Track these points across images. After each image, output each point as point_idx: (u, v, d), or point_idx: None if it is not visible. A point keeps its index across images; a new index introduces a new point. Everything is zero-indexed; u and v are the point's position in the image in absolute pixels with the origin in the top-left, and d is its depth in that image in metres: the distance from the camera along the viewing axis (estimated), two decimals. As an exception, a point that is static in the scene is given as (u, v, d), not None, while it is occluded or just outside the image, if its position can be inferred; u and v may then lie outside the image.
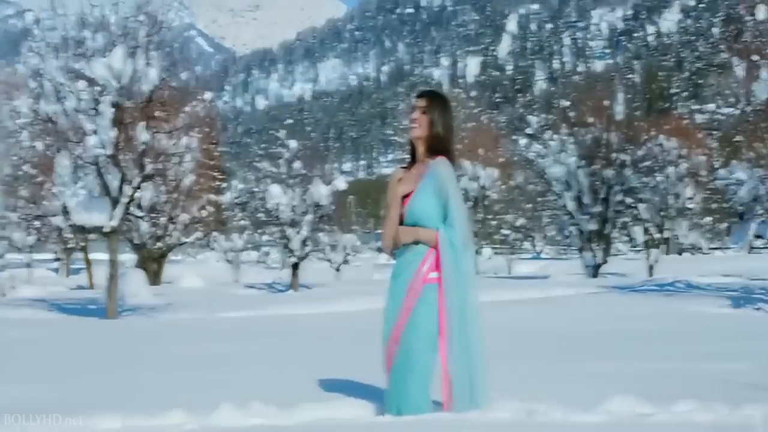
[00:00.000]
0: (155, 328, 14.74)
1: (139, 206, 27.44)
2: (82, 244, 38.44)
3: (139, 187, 16.93)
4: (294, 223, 29.29)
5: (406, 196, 5.07)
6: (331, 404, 5.59)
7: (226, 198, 49.58)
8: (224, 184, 59.69)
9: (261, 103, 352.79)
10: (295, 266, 29.47)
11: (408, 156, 5.30)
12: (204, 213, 36.63)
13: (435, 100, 5.19)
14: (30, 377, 7.92)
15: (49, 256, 60.44)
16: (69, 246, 46.06)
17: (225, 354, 9.86)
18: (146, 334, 13.61)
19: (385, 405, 5.14)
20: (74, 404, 5.85)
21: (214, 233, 43.94)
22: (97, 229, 16.83)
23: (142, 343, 11.83)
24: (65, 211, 16.86)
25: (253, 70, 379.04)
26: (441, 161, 5.03)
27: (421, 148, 5.14)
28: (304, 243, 29.23)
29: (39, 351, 10.74)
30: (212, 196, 43.47)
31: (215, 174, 59.74)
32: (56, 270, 53.88)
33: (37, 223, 39.88)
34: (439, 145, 5.10)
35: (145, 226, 30.28)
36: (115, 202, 16.47)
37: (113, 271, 16.41)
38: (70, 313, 18.03)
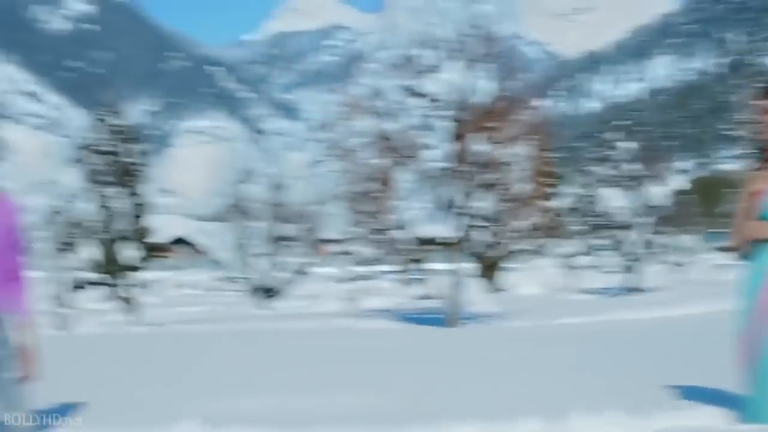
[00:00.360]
0: (495, 336, 14.94)
1: (478, 216, 27.92)
2: (421, 255, 39.62)
3: (477, 198, 17.25)
4: (628, 226, 28.80)
5: (758, 194, 4.83)
6: (685, 412, 5.45)
7: (559, 203, 49.29)
8: (557, 190, 59.49)
9: (591, 105, 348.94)
10: (630, 269, 28.93)
11: (758, 152, 5.02)
12: (539, 219, 36.64)
13: None
14: (382, 386, 8.28)
15: (391, 267, 62.85)
16: (409, 257, 47.76)
17: (568, 359, 9.84)
18: (488, 341, 13.82)
19: (743, 412, 4.93)
20: (430, 411, 6.07)
21: (549, 239, 43.87)
22: (440, 241, 17.35)
23: (485, 349, 12.02)
24: (404, 225, 17.53)
25: (582, 73, 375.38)
26: None
27: None
28: (640, 245, 28.65)
29: (388, 359, 11.18)
30: (546, 203, 43.37)
31: (548, 180, 59.70)
32: (399, 281, 55.80)
33: (379, 237, 41.73)
34: None
35: (482, 235, 30.76)
36: (455, 214, 16.90)
37: (455, 280, 16.83)
38: (412, 323, 18.66)
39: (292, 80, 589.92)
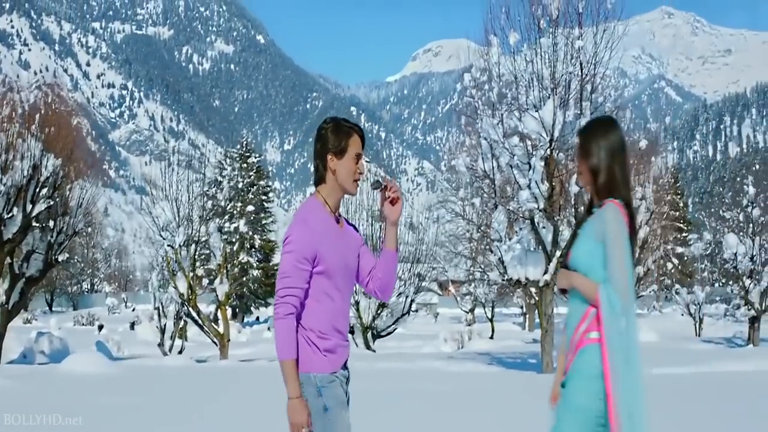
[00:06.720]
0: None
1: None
2: (537, 298, 39.04)
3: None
4: (753, 274, 27.61)
5: None
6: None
7: (694, 250, 47.33)
8: (690, 236, 57.72)
9: (733, 150, 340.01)
10: (754, 320, 27.66)
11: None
12: (662, 265, 35.52)
13: None
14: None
15: (516, 310, 62.18)
16: (533, 300, 47.08)
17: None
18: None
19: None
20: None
21: (677, 286, 42.57)
22: (533, 283, 16.87)
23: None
24: (500, 267, 17.11)
25: (725, 117, 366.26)
26: (607, 208, 3.77)
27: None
28: (764, 295, 27.41)
29: (449, 403, 10.83)
30: (677, 248, 42.24)
31: (680, 225, 58.23)
32: (521, 324, 55.08)
33: (485, 278, 41.28)
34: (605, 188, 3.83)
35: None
36: (549, 256, 16.41)
37: (546, 325, 16.32)
38: (508, 367, 18.14)
39: (427, 121, 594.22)
